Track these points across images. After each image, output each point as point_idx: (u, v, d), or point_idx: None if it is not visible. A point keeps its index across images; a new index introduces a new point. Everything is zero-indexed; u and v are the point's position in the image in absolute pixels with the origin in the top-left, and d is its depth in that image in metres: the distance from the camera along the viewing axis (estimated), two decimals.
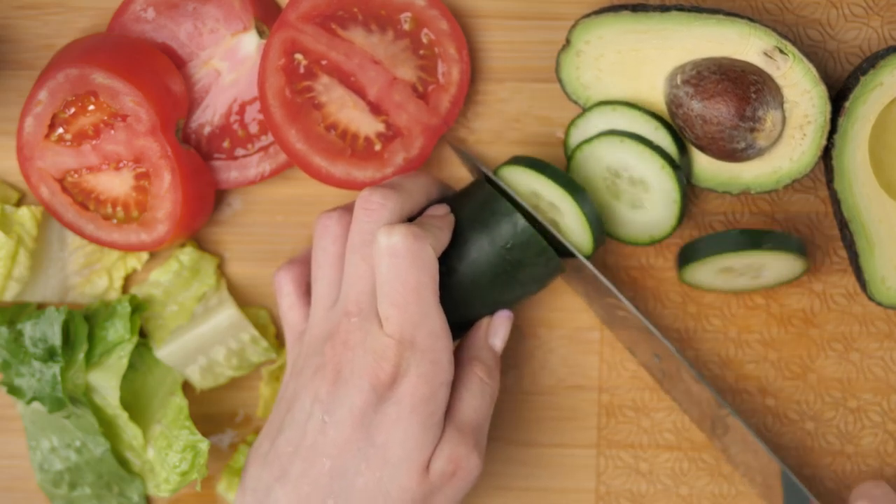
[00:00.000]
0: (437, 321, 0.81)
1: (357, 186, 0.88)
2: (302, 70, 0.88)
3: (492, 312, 0.87)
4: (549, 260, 0.84)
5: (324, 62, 0.88)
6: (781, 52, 0.83)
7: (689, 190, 0.91)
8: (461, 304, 0.85)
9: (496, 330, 0.86)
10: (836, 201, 0.86)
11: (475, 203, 0.85)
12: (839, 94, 0.86)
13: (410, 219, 0.85)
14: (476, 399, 0.84)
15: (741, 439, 0.88)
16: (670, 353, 0.86)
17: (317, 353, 0.83)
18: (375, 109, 0.88)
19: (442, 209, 0.86)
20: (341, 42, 0.88)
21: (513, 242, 0.84)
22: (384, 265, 0.80)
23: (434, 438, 0.81)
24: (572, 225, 0.85)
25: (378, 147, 0.88)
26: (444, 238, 0.83)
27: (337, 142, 0.88)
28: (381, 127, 0.89)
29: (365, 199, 0.82)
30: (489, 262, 0.84)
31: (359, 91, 0.88)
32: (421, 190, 0.85)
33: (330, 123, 0.88)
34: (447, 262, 0.85)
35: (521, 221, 0.84)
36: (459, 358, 0.85)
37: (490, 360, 0.85)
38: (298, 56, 0.88)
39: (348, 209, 0.86)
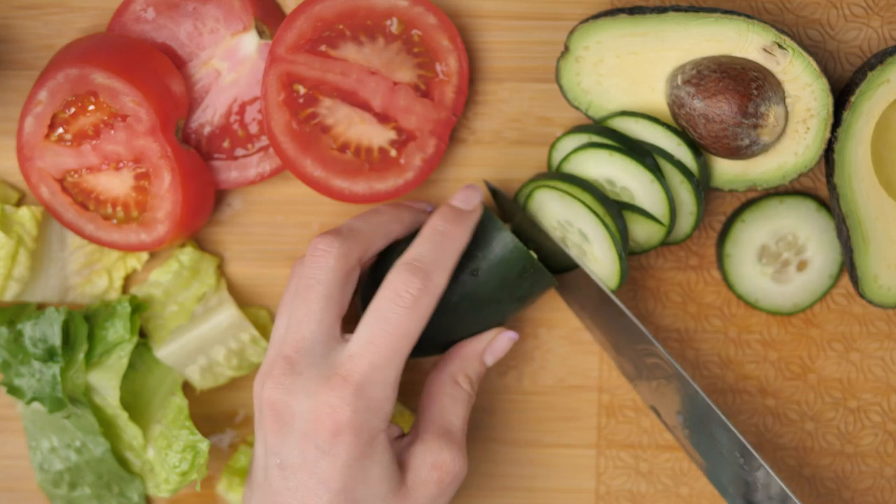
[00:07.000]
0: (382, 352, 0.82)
1: (381, 199, 0.89)
2: (302, 99, 0.88)
3: (483, 329, 0.87)
4: (546, 278, 0.85)
5: (322, 86, 0.88)
6: (780, 46, 0.84)
7: None
8: (456, 323, 0.86)
9: (496, 349, 0.87)
10: (834, 196, 0.86)
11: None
12: (844, 89, 0.86)
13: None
14: (460, 407, 0.86)
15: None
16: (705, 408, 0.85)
17: (259, 395, 0.83)
18: (383, 119, 0.88)
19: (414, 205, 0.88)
20: (335, 62, 0.88)
21: (509, 261, 0.84)
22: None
23: (389, 466, 0.82)
24: (601, 256, 0.85)
25: (394, 154, 0.88)
26: (380, 238, 0.85)
27: (353, 160, 0.88)
28: (392, 134, 0.88)
29: (313, 245, 0.83)
30: (487, 282, 0.85)
31: (363, 105, 0.88)
32: (376, 230, 0.85)
33: (342, 143, 0.88)
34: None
35: (516, 241, 0.84)
36: (448, 366, 0.87)
37: (477, 374, 0.87)
38: (297, 86, 0.87)
39: None
